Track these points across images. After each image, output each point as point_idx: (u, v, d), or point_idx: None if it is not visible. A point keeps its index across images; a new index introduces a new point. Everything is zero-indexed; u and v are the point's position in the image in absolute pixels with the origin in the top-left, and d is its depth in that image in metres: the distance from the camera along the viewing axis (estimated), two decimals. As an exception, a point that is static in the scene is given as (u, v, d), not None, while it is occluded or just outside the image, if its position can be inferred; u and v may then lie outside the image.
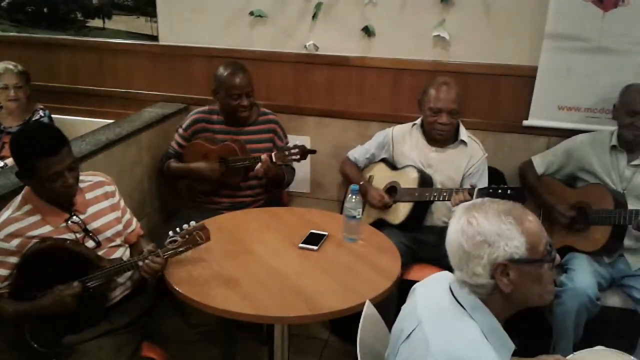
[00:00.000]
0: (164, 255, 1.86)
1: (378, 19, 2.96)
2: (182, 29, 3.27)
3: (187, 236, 1.85)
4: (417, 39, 2.95)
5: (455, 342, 1.24)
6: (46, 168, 1.79)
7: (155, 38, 3.35)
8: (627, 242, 2.50)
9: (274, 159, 2.62)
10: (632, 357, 1.45)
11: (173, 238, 1.86)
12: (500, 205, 1.29)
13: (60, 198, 1.91)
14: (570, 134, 2.77)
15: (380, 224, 2.71)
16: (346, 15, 2.99)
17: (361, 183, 2.75)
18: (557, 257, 1.31)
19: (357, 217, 2.19)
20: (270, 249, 2.15)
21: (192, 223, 1.88)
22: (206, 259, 2.03)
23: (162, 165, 2.91)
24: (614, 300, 2.49)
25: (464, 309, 1.30)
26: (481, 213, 1.27)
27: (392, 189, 2.71)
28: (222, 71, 2.73)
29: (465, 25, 2.87)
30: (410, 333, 1.35)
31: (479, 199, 1.36)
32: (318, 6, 2.99)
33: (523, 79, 2.85)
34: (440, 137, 2.62)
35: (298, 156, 2.62)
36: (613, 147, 2.59)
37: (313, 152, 2.71)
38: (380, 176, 2.81)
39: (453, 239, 1.30)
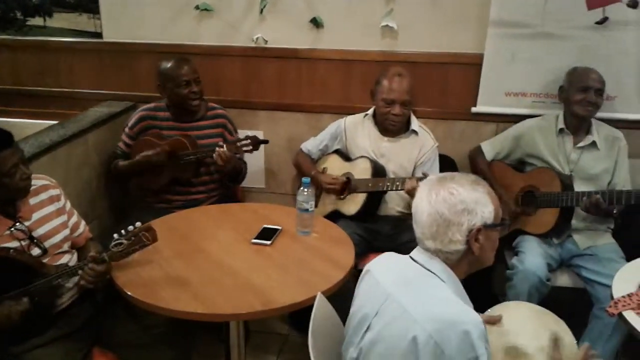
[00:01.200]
0: (108, 259, 1.81)
1: (326, 10, 2.95)
2: (126, 25, 3.18)
3: (132, 238, 1.80)
4: (365, 29, 2.95)
5: (436, 305, 1.28)
6: (3, 162, 1.74)
7: (99, 35, 3.25)
8: (575, 223, 2.57)
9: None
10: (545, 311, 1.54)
11: (118, 241, 1.81)
12: (466, 177, 1.39)
13: (18, 194, 1.86)
14: (518, 119, 2.82)
15: (335, 216, 2.71)
16: (294, 7, 2.97)
17: (313, 173, 2.75)
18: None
19: (310, 209, 2.18)
20: (223, 246, 2.12)
21: (138, 224, 1.84)
22: (156, 259, 1.98)
23: (110, 167, 2.84)
24: (564, 280, 2.56)
25: (434, 274, 1.35)
26: (456, 184, 1.35)
27: (346, 180, 2.71)
28: (166, 64, 2.68)
29: (413, 15, 2.88)
30: (379, 309, 1.36)
31: (443, 174, 1.43)
32: (265, -2, 2.96)
33: (470, 67, 2.89)
34: (393, 127, 2.64)
35: (250, 147, 2.59)
36: (560, 131, 2.65)
37: (265, 142, 2.69)
38: (334, 167, 2.81)
39: (432, 210, 1.34)
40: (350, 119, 2.81)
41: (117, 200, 3.09)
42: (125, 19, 3.17)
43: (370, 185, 2.60)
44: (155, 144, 2.71)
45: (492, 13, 2.76)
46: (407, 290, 1.35)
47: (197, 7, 3.04)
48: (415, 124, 2.69)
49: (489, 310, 1.55)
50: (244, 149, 2.58)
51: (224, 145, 2.57)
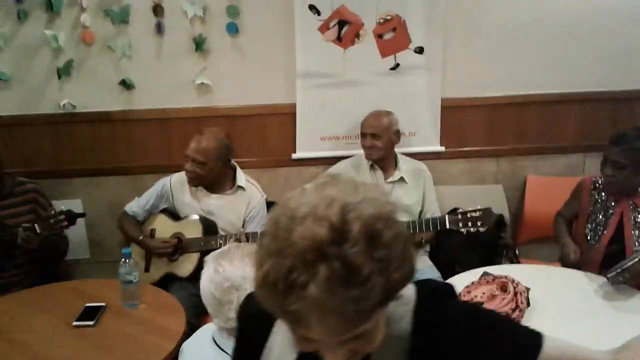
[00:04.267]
0: None
1: (136, 71, 2.91)
2: None
3: None
4: (180, 87, 2.96)
5: None
6: None
7: None
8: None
9: (38, 230, 2.40)
10: None
11: None
12: (244, 248, 1.38)
13: None
14: (335, 160, 3.01)
15: (169, 279, 2.63)
16: (101, 70, 2.89)
17: (141, 238, 2.66)
18: None
19: (134, 281, 2.09)
20: (41, 335, 1.95)
21: None
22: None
23: None
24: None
25: (228, 354, 1.33)
26: (227, 260, 1.34)
27: (177, 241, 2.65)
28: None
29: (226, 71, 2.96)
30: None
31: (226, 246, 1.41)
32: (68, 63, 2.84)
33: (286, 116, 3.03)
34: (189, 183, 2.66)
35: (65, 222, 2.43)
36: (371, 166, 2.87)
37: (82, 215, 2.55)
38: (163, 228, 2.74)
39: (204, 288, 1.34)
40: (176, 177, 2.78)
41: None
42: None
43: (202, 244, 2.58)
44: None
45: (298, 65, 2.93)
46: None
47: (-8, 77, 2.82)
48: (241, 179, 2.73)
49: None
50: (59, 225, 2.41)
51: (35, 225, 2.38)
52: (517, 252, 2.86)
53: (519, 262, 2.74)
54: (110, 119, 2.95)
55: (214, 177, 2.67)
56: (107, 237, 3.09)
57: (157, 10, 2.84)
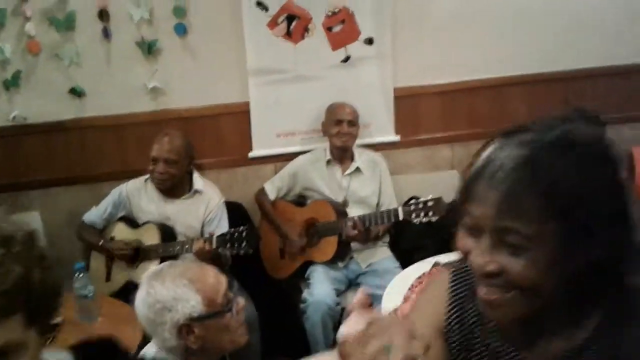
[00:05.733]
0: None
1: (86, 78, 2.88)
2: None
3: None
4: (132, 92, 2.94)
5: None
6: None
7: None
8: (354, 244, 2.81)
9: None
10: None
11: None
12: (177, 268, 1.38)
13: None
14: (292, 156, 3.02)
15: (131, 287, 2.64)
16: (50, 79, 2.85)
17: (101, 242, 2.67)
18: (241, 301, 1.43)
19: (90, 295, 2.11)
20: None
21: None
22: None
23: None
24: (353, 299, 2.77)
25: None
26: (159, 280, 1.34)
27: (136, 250, 2.66)
28: None
29: (177, 72, 2.94)
30: None
31: (160, 265, 1.42)
32: (16, 74, 2.80)
33: (240, 115, 3.03)
34: (159, 186, 2.65)
35: None
36: (328, 162, 2.90)
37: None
38: (122, 236, 2.73)
39: (139, 310, 1.35)
40: (131, 184, 2.78)
41: None
42: None
43: (161, 251, 2.59)
44: None
45: (248, 63, 2.92)
46: None
47: None
48: (198, 183, 2.73)
49: None
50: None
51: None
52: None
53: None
54: (63, 128, 2.92)
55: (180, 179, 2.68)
56: (66, 249, 3.04)
57: (103, 15, 2.80)
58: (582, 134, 0.77)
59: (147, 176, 2.73)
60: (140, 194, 2.74)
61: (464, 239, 0.80)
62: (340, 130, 2.80)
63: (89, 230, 2.77)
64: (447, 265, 0.99)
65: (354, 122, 2.83)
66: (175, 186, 2.69)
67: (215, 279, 1.38)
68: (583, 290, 0.79)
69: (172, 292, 1.31)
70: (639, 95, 3.28)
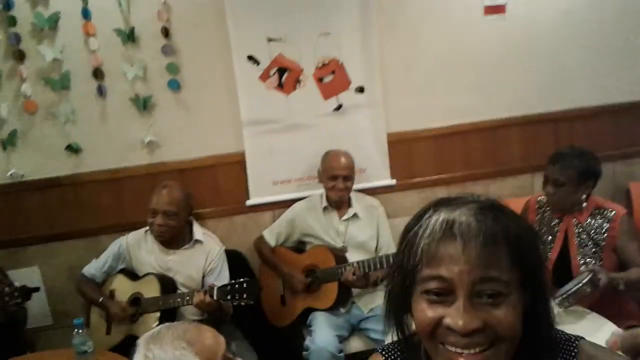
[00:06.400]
0: None
1: (81, 135, 2.92)
2: None
3: None
4: (129, 146, 2.98)
5: None
6: None
7: None
8: (354, 290, 2.80)
9: None
10: None
11: None
12: (175, 330, 1.34)
13: None
14: (289, 203, 3.04)
15: (132, 340, 2.61)
16: (46, 137, 2.89)
17: (101, 300, 2.64)
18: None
19: (89, 350, 2.08)
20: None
21: None
22: None
23: None
24: (356, 345, 2.75)
25: None
26: (157, 344, 1.30)
27: (136, 300, 2.64)
28: None
29: (172, 126, 2.99)
30: None
31: (156, 328, 1.39)
32: (13, 133, 2.84)
33: (236, 164, 3.06)
34: (159, 238, 2.66)
35: (20, 299, 2.40)
36: (325, 208, 2.91)
37: (36, 290, 2.51)
38: (122, 288, 2.72)
39: None
40: (131, 236, 2.78)
41: None
42: None
43: (161, 303, 2.57)
44: None
45: (242, 114, 2.98)
46: None
47: None
48: (198, 233, 2.74)
49: None
50: (13, 301, 2.37)
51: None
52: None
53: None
54: (60, 184, 2.94)
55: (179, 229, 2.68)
56: (69, 303, 3.03)
57: (97, 74, 2.87)
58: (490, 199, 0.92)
59: (147, 228, 2.74)
60: (140, 246, 2.74)
61: (430, 309, 0.85)
62: (335, 186, 2.82)
63: (89, 285, 2.75)
64: (379, 351, 1.06)
65: (349, 177, 2.85)
66: (175, 237, 2.69)
67: (213, 340, 1.35)
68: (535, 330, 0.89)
69: (171, 355, 1.28)
70: (632, 132, 3.36)
